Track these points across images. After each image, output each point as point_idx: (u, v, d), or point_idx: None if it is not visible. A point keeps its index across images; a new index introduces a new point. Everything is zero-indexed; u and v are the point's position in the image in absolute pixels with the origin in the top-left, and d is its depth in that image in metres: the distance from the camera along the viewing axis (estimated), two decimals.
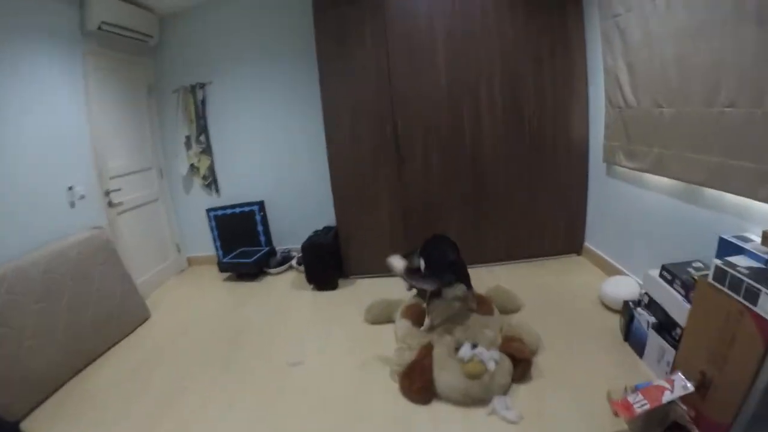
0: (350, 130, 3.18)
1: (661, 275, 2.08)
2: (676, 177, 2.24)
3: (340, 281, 3.40)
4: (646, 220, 2.58)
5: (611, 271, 2.96)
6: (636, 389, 1.86)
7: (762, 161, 1.75)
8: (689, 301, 1.91)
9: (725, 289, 1.64)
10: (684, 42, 2.05)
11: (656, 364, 2.02)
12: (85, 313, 2.65)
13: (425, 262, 2.49)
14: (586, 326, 2.47)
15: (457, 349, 2.05)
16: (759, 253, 1.70)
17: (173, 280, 4.01)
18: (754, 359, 1.52)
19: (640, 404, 1.71)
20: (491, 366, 1.92)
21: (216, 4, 3.67)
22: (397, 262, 2.43)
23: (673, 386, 1.75)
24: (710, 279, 1.70)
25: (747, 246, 1.81)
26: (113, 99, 3.45)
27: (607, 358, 2.17)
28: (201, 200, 4.11)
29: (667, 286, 2.03)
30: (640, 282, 2.57)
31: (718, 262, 1.68)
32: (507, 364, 1.98)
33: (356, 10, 2.99)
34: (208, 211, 4.02)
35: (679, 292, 1.96)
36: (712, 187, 2.03)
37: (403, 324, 2.44)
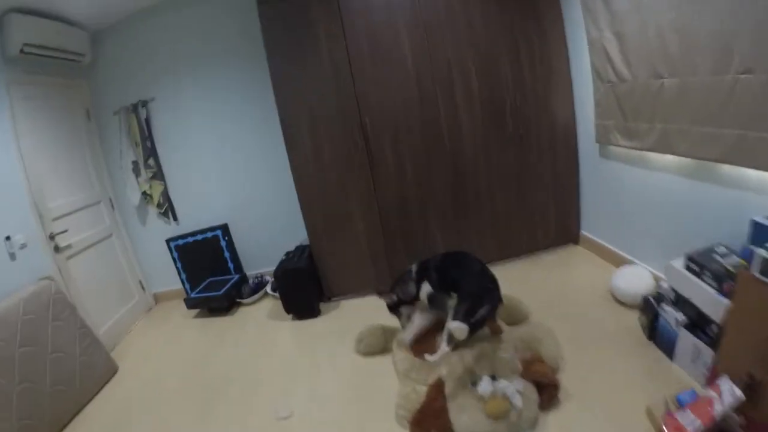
0: (312, 138, 2.82)
1: (687, 267, 1.86)
2: (685, 154, 2.02)
3: (322, 306, 3.07)
4: (652, 203, 2.37)
5: (614, 259, 2.75)
6: (679, 403, 1.65)
7: None
8: (724, 295, 1.69)
9: None
10: (683, 4, 1.82)
11: (691, 365, 1.80)
12: (42, 381, 2.26)
13: (436, 282, 2.22)
14: (602, 327, 2.24)
15: (473, 382, 1.77)
16: None
17: (141, 321, 3.59)
18: None
19: (693, 425, 1.49)
20: (517, 401, 1.65)
21: (152, 13, 3.25)
22: (418, 321, 2.25)
23: (720, 394, 1.54)
24: (755, 272, 1.49)
25: None
26: (47, 130, 3.02)
27: (635, 364, 1.94)
28: (159, 230, 3.69)
29: (696, 279, 1.80)
30: (653, 271, 2.37)
31: (764, 252, 1.47)
32: (532, 393, 1.71)
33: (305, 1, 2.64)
34: (168, 241, 3.60)
35: (711, 285, 1.74)
36: (731, 163, 1.81)
37: (403, 356, 2.15)
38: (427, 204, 2.99)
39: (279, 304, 3.11)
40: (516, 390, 1.69)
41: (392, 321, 2.45)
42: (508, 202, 3.05)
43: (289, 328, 2.94)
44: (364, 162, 2.85)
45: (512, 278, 2.86)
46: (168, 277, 3.75)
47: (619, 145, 2.46)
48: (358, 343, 2.42)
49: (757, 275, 1.49)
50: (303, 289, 2.92)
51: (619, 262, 2.69)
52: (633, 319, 2.21)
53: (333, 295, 3.14)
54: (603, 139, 2.61)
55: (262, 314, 3.21)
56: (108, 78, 3.41)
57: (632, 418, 1.68)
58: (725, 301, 1.68)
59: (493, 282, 2.13)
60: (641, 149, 2.30)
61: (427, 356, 2.03)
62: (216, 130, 3.47)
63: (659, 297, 2.06)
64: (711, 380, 1.72)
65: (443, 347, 2.00)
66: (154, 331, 3.39)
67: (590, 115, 2.70)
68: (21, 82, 2.79)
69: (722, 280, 1.71)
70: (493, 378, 1.76)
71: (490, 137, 2.91)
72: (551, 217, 3.13)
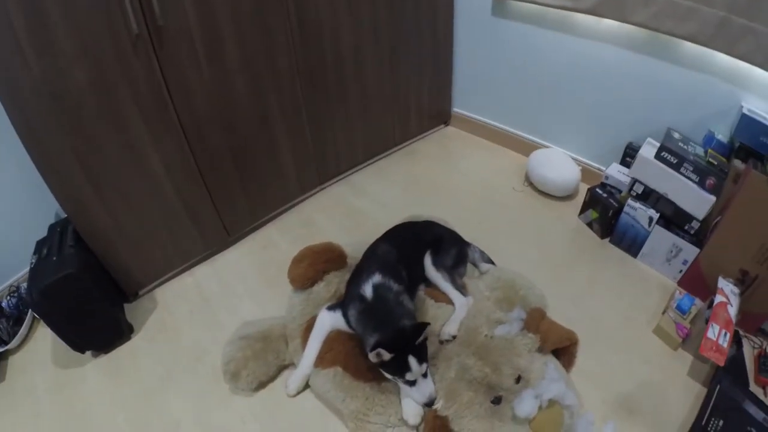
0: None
1: (660, 157, 1.65)
2: (643, 24, 1.67)
3: (130, 311, 1.70)
4: (571, 75, 2.03)
5: (504, 140, 2.45)
6: (681, 312, 1.55)
7: None
8: (708, 190, 1.58)
9: None
10: None
11: (665, 264, 1.74)
12: None
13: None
14: (546, 233, 1.94)
15: (494, 400, 1.18)
16: None
17: None
18: None
19: (724, 339, 1.41)
20: (571, 399, 1.19)
21: None
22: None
23: (725, 295, 1.51)
24: None
25: None
26: None
27: (608, 273, 1.76)
28: None
29: (675, 173, 1.63)
30: (574, 156, 2.16)
31: None
32: (560, 367, 1.30)
33: None
34: None
35: (691, 179, 1.60)
36: (704, 45, 1.58)
37: (333, 381, 1.26)
38: (266, 99, 1.81)
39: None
40: (555, 382, 1.21)
41: (273, 305, 1.52)
42: (380, 81, 2.17)
43: (96, 377, 1.49)
44: (144, 40, 1.38)
45: (381, 179, 2.21)
46: None
47: (534, 2, 1.92)
48: (233, 377, 1.34)
49: None
50: (87, 304, 1.45)
51: (509, 142, 2.40)
52: (569, 215, 2.02)
53: (141, 287, 1.77)
54: None
55: (44, 362, 1.55)
56: None
57: (643, 341, 1.53)
58: (711, 197, 1.58)
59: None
60: (571, 9, 1.82)
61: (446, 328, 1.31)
62: None
63: (609, 190, 1.86)
64: (688, 278, 1.69)
65: (439, 402, 1.21)
66: None
67: None
68: None
69: (705, 175, 1.58)
70: (518, 380, 1.22)
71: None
72: (425, 95, 2.47)
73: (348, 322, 1.25)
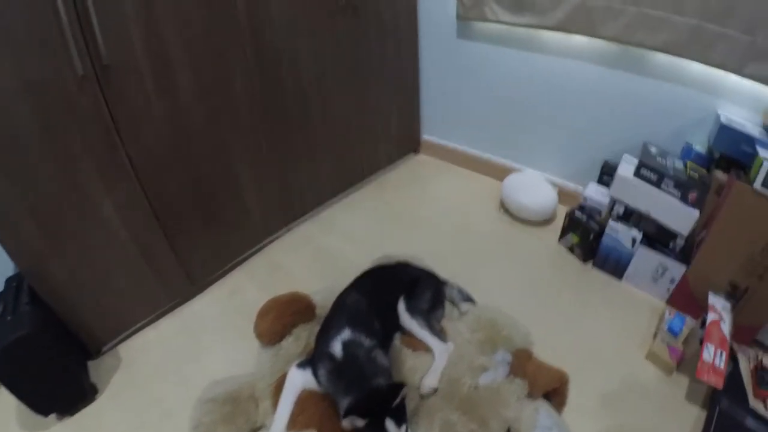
0: None
1: (640, 175, 1.59)
2: (614, 38, 1.63)
3: (94, 369, 1.55)
4: (541, 94, 1.98)
5: (474, 165, 2.37)
6: (673, 333, 1.49)
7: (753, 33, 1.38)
8: (691, 204, 1.52)
9: None
10: None
11: (651, 284, 1.67)
12: None
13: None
14: (527, 260, 1.86)
15: None
16: None
17: None
18: None
19: (721, 358, 1.34)
20: None
21: None
22: None
23: (717, 312, 1.45)
24: (758, 185, 1.31)
25: (753, 130, 1.47)
26: None
27: (593, 298, 1.70)
28: None
29: (656, 190, 1.57)
30: (550, 177, 2.10)
31: None
32: (553, 411, 1.20)
33: None
34: None
35: (673, 194, 1.54)
36: (678, 55, 1.56)
37: None
38: (224, 134, 1.68)
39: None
40: (552, 418, 1.13)
41: (242, 357, 1.41)
42: (345, 111, 2.08)
43: None
44: (90, 81, 1.28)
45: (371, 216, 2.11)
46: None
47: (499, 22, 1.86)
48: None
49: (760, 188, 1.31)
50: (47, 365, 1.32)
51: (483, 168, 2.33)
52: (549, 240, 1.95)
53: (103, 343, 1.64)
54: (471, 14, 1.93)
55: (6, 427, 1.42)
56: None
57: (637, 368, 1.45)
58: (695, 212, 1.52)
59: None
60: (538, 27, 1.78)
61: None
62: None
63: (588, 212, 1.80)
64: (676, 296, 1.63)
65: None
66: None
67: None
68: None
69: (687, 189, 1.52)
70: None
71: (309, 7, 1.77)
72: (393, 123, 2.38)
73: (318, 381, 1.14)
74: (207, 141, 1.61)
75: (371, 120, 2.24)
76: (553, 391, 1.24)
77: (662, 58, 1.62)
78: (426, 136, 2.55)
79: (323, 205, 2.18)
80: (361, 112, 2.16)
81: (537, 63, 1.92)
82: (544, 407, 1.18)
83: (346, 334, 1.12)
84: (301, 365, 1.22)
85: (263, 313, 1.33)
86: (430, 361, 1.22)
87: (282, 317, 1.30)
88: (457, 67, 2.19)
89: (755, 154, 1.37)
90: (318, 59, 1.87)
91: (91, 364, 1.58)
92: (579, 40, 1.75)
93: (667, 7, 1.49)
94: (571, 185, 2.09)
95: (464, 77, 2.20)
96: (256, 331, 1.32)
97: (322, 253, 1.89)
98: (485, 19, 1.90)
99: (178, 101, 1.48)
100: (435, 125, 2.49)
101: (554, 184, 2.07)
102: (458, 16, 1.98)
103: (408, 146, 2.58)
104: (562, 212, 1.93)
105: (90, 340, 1.58)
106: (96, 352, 1.62)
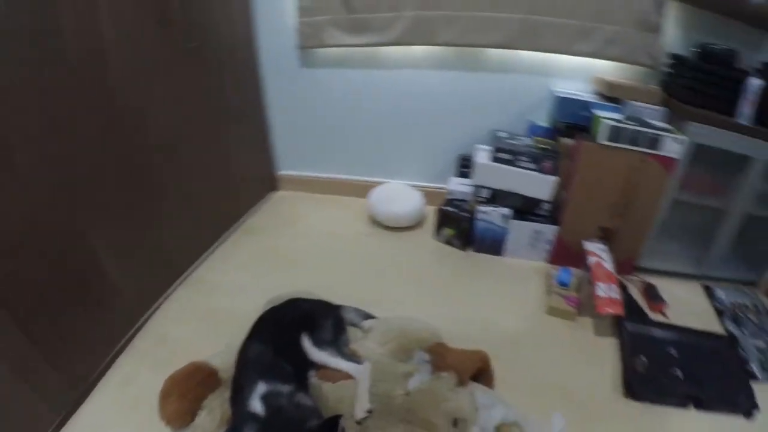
0: None
1: (497, 158, 1.76)
2: (452, 43, 1.82)
3: None
4: (389, 107, 2.08)
5: (337, 189, 2.35)
6: (563, 284, 1.66)
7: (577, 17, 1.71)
8: (547, 172, 1.73)
9: (624, 145, 1.57)
10: None
11: (529, 250, 1.85)
12: None
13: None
14: (410, 262, 1.89)
15: None
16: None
17: None
18: (659, 189, 1.65)
19: (613, 290, 1.53)
20: (514, 414, 1.15)
21: None
22: None
23: (596, 254, 1.66)
24: (603, 140, 1.56)
25: (585, 97, 1.75)
26: None
27: (482, 279, 1.79)
28: None
29: (513, 168, 1.75)
30: (412, 183, 2.19)
31: (608, 121, 1.56)
32: (487, 389, 1.25)
33: None
34: None
35: (529, 168, 1.74)
36: (513, 48, 1.80)
37: None
38: (75, 210, 1.43)
39: None
40: (499, 408, 1.17)
41: None
42: (198, 161, 1.89)
43: None
44: None
45: (248, 263, 1.95)
46: None
47: (339, 45, 1.93)
48: None
49: (604, 142, 1.55)
50: None
51: (346, 190, 2.33)
52: (426, 240, 2.02)
53: None
54: (311, 42, 1.95)
55: None
56: None
57: (544, 325, 1.58)
58: (552, 178, 1.73)
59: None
60: (378, 44, 1.88)
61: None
62: None
63: (456, 204, 1.91)
64: (556, 254, 1.82)
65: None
66: None
67: (280, 10, 1.95)
68: None
69: (540, 160, 1.72)
70: (455, 424, 1.14)
71: (151, 47, 1.61)
72: (248, 165, 2.25)
73: None
74: (56, 222, 1.35)
75: (226, 166, 2.08)
76: (479, 371, 1.26)
77: (495, 53, 1.84)
78: (283, 171, 2.45)
79: (195, 265, 1.97)
80: (216, 160, 1.99)
81: (381, 78, 2.03)
82: (478, 389, 1.20)
83: (261, 387, 1.02)
84: None
85: (165, 395, 1.14)
86: (353, 388, 1.17)
87: (186, 394, 1.14)
88: (304, 96, 2.18)
89: (593, 115, 1.63)
90: (164, 115, 1.71)
91: None
92: (418, 50, 1.90)
93: (497, 7, 1.71)
94: (434, 185, 2.21)
95: (312, 105, 2.20)
96: (164, 418, 1.13)
97: (208, 313, 1.71)
98: (326, 45, 1.96)
99: (18, 179, 1.22)
100: (290, 158, 2.41)
101: (418, 188, 2.16)
102: (299, 46, 2.01)
103: (266, 185, 2.45)
104: (431, 212, 2.05)
105: None
106: None
